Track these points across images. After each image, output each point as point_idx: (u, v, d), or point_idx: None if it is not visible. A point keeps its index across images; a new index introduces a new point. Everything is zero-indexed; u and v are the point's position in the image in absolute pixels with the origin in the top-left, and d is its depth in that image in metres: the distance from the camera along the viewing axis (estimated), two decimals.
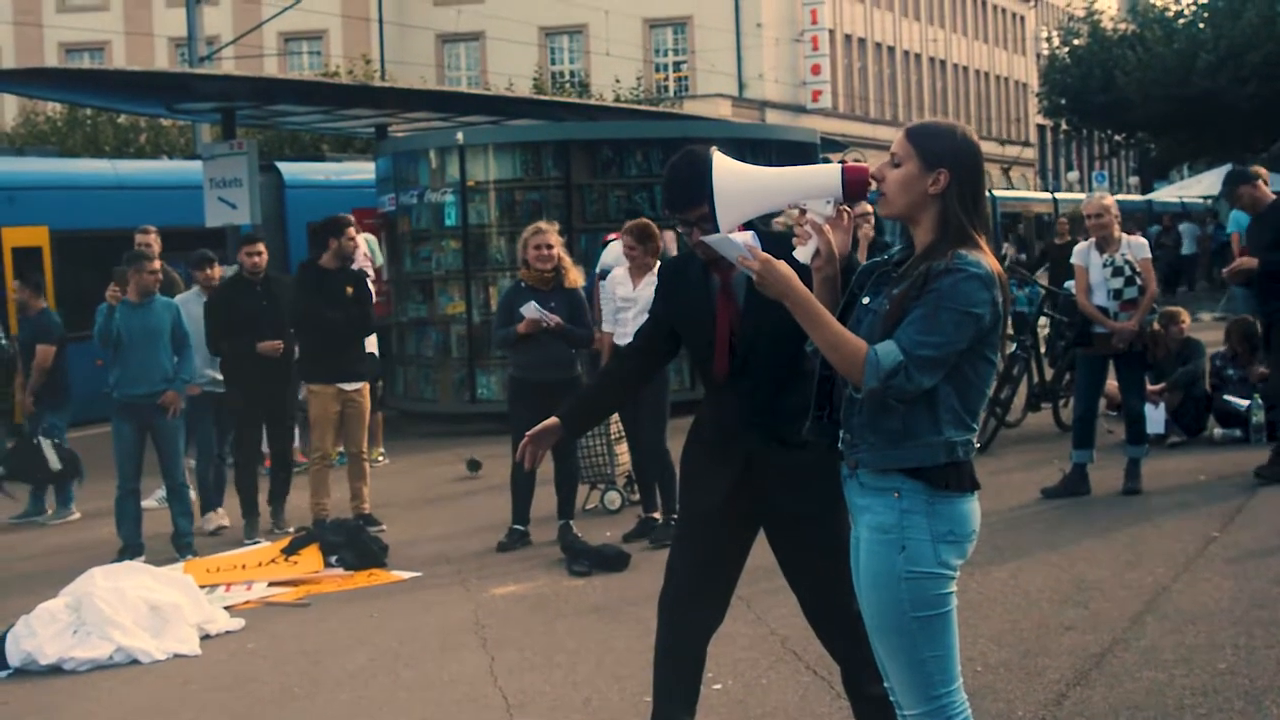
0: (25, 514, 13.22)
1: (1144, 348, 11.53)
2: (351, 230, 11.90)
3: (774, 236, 5.03)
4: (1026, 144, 76.81)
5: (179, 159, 29.74)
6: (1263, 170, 12.36)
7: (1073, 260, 11.86)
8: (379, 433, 15.45)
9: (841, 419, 4.27)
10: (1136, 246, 11.45)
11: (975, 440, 4.24)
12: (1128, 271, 11.25)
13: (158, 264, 11.26)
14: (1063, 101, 52.03)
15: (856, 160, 4.98)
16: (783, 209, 4.49)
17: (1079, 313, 11.69)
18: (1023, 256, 34.81)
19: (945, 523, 4.14)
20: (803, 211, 4.30)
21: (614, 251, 12.62)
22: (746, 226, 4.65)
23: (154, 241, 11.35)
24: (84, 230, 20.53)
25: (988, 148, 68.64)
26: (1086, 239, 11.70)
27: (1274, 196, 11.81)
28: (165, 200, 21.26)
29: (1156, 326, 11.94)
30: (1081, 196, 48.92)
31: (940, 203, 4.16)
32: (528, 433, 5.59)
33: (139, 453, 11.23)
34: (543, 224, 11.12)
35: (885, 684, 4.37)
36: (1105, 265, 11.30)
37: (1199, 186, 48.17)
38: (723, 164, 4.34)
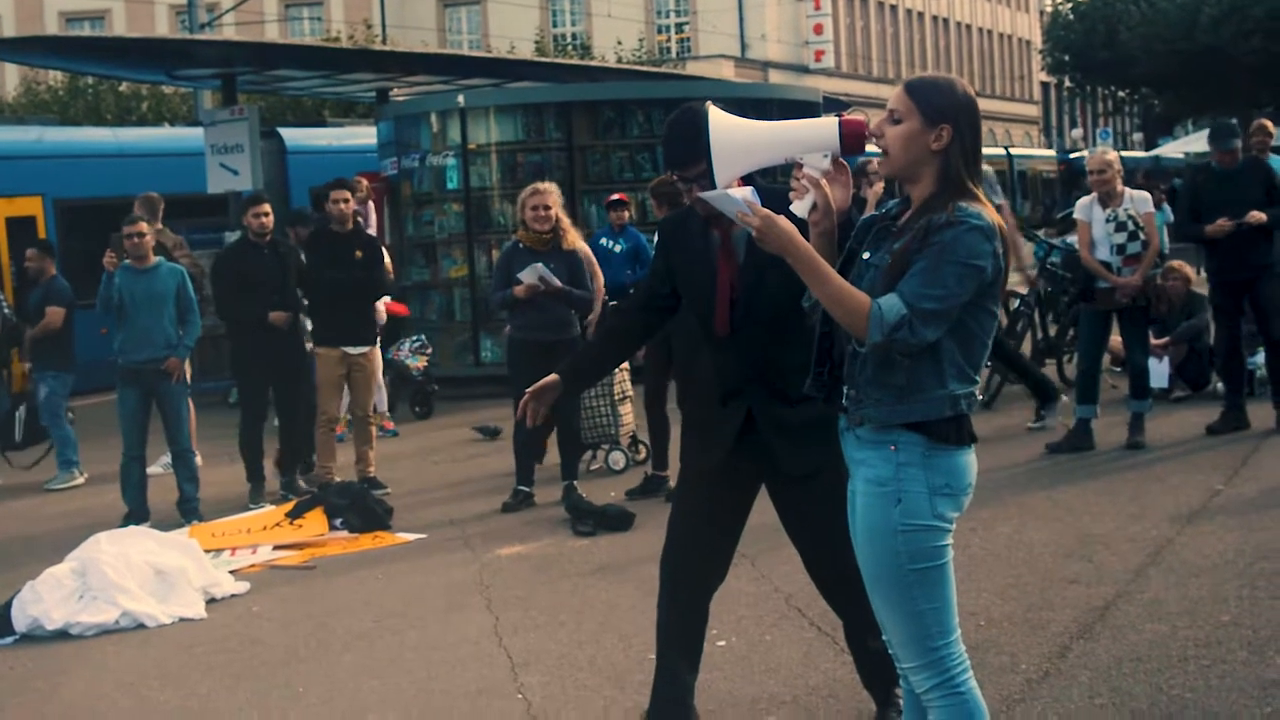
0: (57, 479, 13.23)
1: (1147, 302, 11.51)
2: (339, 193, 11.81)
3: (772, 191, 5.02)
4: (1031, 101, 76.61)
5: (180, 126, 29.71)
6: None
7: (1075, 215, 11.88)
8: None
9: (845, 375, 4.25)
10: (1139, 201, 11.43)
11: (978, 393, 4.22)
12: (1131, 226, 11.24)
13: (141, 226, 11.16)
14: (1066, 58, 51.90)
15: (852, 116, 4.96)
16: (779, 163, 4.46)
17: (1082, 268, 11.68)
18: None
19: (942, 475, 4.13)
20: (800, 165, 4.28)
21: None
22: (746, 180, 4.64)
23: (146, 230, 11.26)
24: (86, 198, 20.54)
25: (992, 105, 68.58)
26: (1089, 194, 11.69)
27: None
28: (167, 167, 21.25)
29: (1160, 281, 11.92)
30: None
31: (942, 158, 4.14)
32: (527, 389, 5.58)
33: (143, 419, 11.24)
34: (540, 184, 10.99)
35: (884, 638, 4.38)
36: (1108, 220, 11.29)
37: (1203, 142, 48.03)
38: (719, 118, 4.32)
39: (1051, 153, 61.61)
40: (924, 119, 4.13)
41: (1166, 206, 26.95)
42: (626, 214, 14.37)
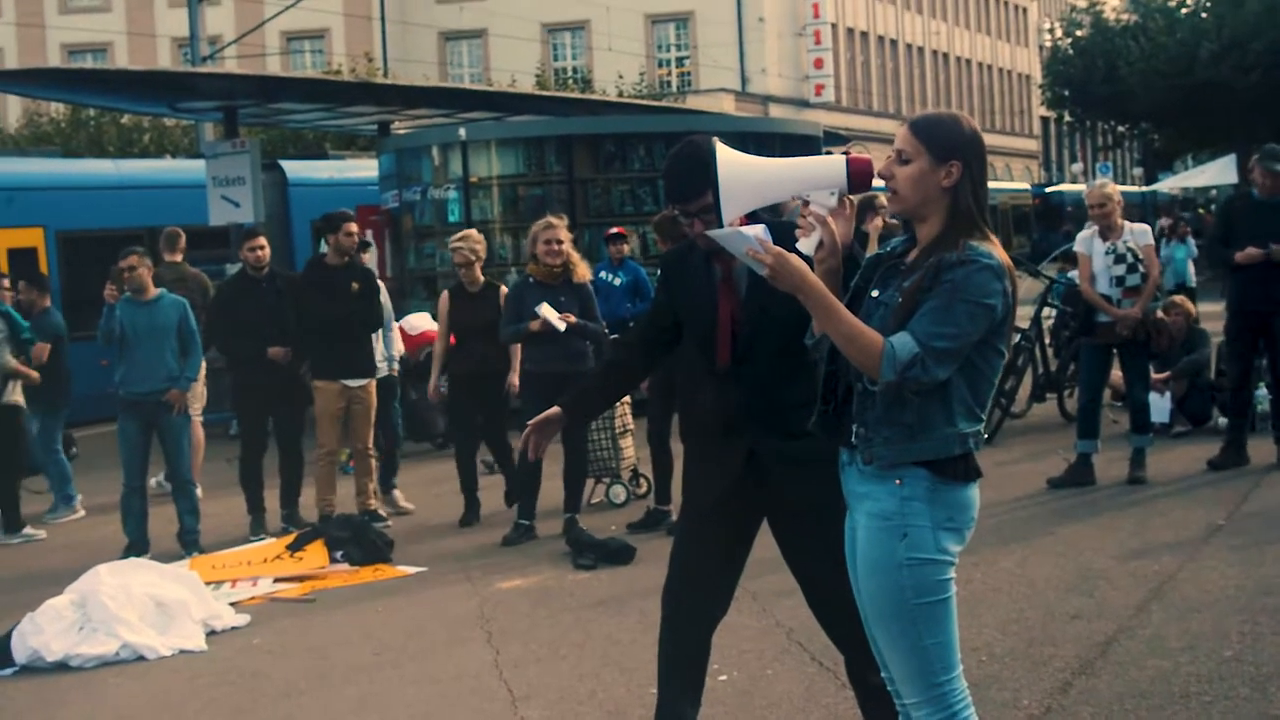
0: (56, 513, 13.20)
1: (1147, 336, 11.51)
2: (350, 225, 11.85)
3: (779, 227, 5.03)
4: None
5: (182, 158, 29.76)
6: None
7: (1075, 248, 11.89)
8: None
9: (854, 413, 4.25)
10: (1139, 234, 11.45)
11: (983, 430, 4.23)
12: (1130, 258, 11.25)
13: (133, 260, 11.13)
14: (1065, 93, 51.94)
15: (859, 153, 4.98)
16: (786, 199, 4.47)
17: (1083, 302, 11.68)
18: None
19: (946, 510, 4.13)
20: (806, 203, 4.29)
21: None
22: (751, 216, 4.65)
23: (137, 263, 11.25)
24: (88, 230, 20.56)
25: (992, 140, 68.69)
26: (1089, 227, 11.70)
27: None
28: (169, 199, 21.28)
29: (1160, 315, 11.92)
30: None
31: (952, 195, 4.15)
32: (530, 421, 5.59)
33: (144, 450, 11.23)
34: (553, 219, 11.03)
35: (885, 673, 4.37)
36: (1108, 253, 11.30)
37: (1203, 177, 48.08)
38: (726, 155, 4.33)
39: (1025, 185, 61.72)
40: (932, 157, 4.14)
41: (1190, 240, 27.03)
42: (626, 247, 14.40)
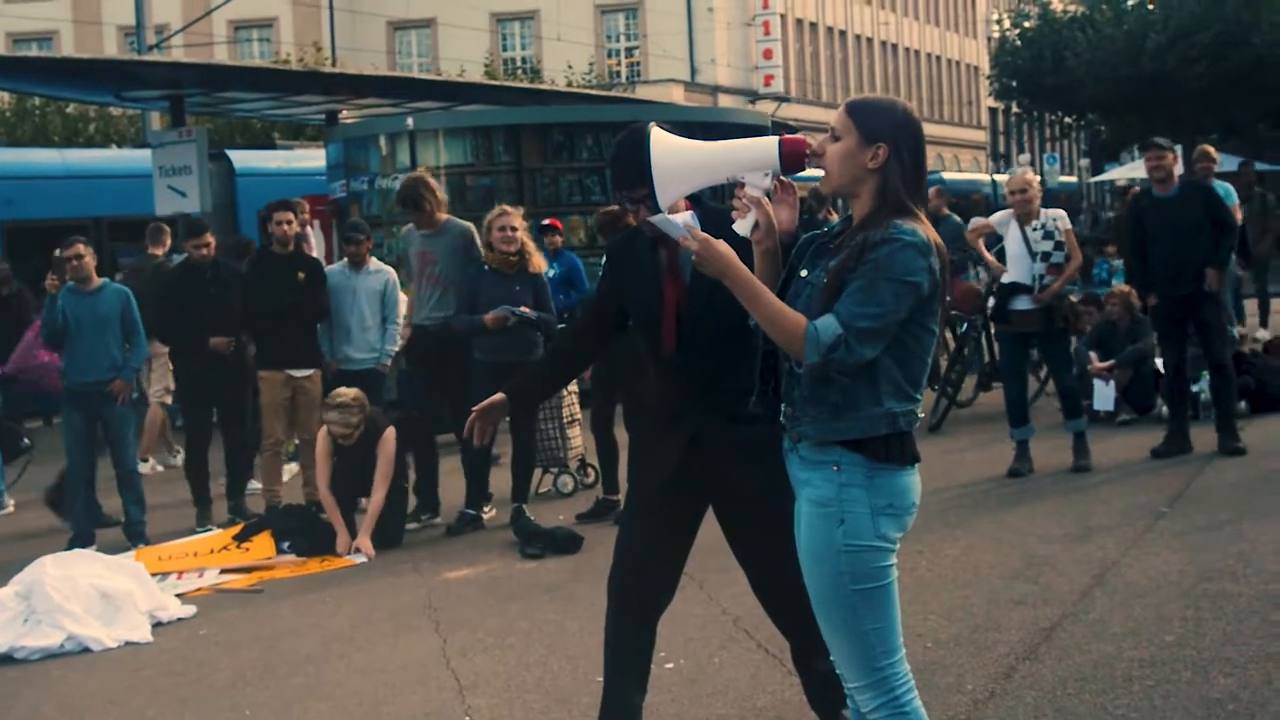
0: None
1: (1066, 323, 11.57)
2: (280, 214, 11.76)
3: (715, 212, 5.05)
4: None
5: (128, 148, 29.58)
6: None
7: (990, 220, 12.10)
8: None
9: (783, 392, 4.28)
10: (1059, 217, 11.57)
11: (919, 411, 4.25)
12: (1057, 236, 11.37)
13: (79, 248, 11.07)
14: (1013, 84, 52.08)
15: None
16: (721, 182, 4.48)
17: (998, 291, 11.75)
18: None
19: (885, 496, 4.15)
20: (741, 185, 4.29)
21: None
22: (693, 199, 4.65)
23: (83, 251, 11.15)
24: (33, 220, 20.42)
25: (939, 130, 68.92)
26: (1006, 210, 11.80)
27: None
28: (115, 189, 21.17)
29: (1073, 299, 11.93)
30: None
31: (880, 176, 4.17)
32: (474, 408, 5.59)
33: (89, 441, 11.17)
34: (508, 207, 11.01)
35: (831, 658, 4.39)
36: (1035, 229, 11.38)
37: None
38: (660, 139, 4.33)
39: (984, 176, 61.77)
40: (861, 137, 4.17)
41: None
42: (559, 239, 14.43)
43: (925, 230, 4.10)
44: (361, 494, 10.59)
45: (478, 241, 11.13)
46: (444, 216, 11.25)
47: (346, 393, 10.50)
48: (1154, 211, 11.98)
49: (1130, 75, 43.48)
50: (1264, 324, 19.41)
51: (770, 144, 4.27)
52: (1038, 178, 11.97)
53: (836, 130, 4.21)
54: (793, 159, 4.25)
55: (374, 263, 12.17)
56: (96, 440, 11.26)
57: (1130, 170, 49.87)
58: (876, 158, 4.16)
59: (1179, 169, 12.30)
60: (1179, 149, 13.34)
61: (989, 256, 12.10)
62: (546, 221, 14.55)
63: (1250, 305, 20.12)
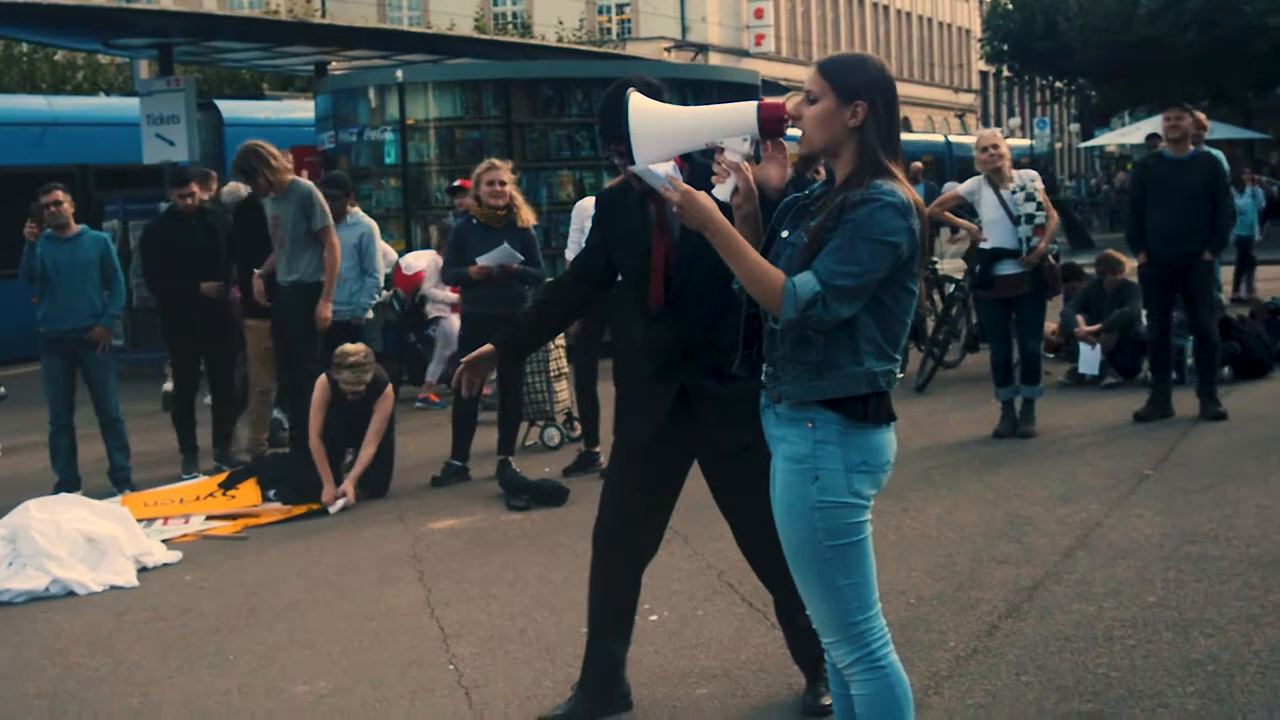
0: None
1: (1044, 286, 11.55)
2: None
3: (705, 168, 5.06)
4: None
5: (117, 95, 29.45)
6: None
7: (959, 188, 12.01)
8: None
9: (765, 351, 4.29)
10: (1034, 178, 11.55)
11: (898, 371, 4.26)
12: (1037, 197, 11.35)
13: (57, 194, 10.99)
14: (1004, 48, 52.04)
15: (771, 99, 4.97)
16: (700, 148, 4.46)
17: (979, 257, 11.73)
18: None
19: (859, 453, 4.16)
20: (721, 150, 4.28)
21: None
22: (684, 156, 4.64)
23: (62, 198, 11.04)
24: (18, 167, 20.32)
25: (930, 93, 68.84)
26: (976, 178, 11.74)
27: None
28: (103, 137, 21.10)
29: (1052, 260, 11.91)
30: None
31: (859, 136, 4.17)
32: (463, 359, 5.60)
33: (69, 388, 11.11)
34: (496, 160, 11.00)
35: (808, 612, 4.41)
36: (1015, 191, 11.34)
37: (1139, 133, 48.26)
38: (639, 105, 4.30)
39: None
40: (838, 97, 4.16)
41: (1259, 190, 24.18)
42: (470, 200, 14.25)
43: (905, 190, 4.10)
44: (351, 445, 10.57)
45: (318, 202, 10.97)
46: (288, 179, 11.03)
47: (356, 349, 10.38)
48: (1161, 172, 11.95)
49: (1121, 41, 43.43)
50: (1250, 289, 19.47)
51: (749, 109, 4.25)
52: (1004, 139, 11.92)
53: (812, 93, 4.20)
54: (771, 124, 4.23)
55: (355, 214, 12.12)
56: (76, 386, 11.21)
57: (1120, 135, 49.85)
58: (856, 115, 4.15)
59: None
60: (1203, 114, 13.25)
61: (963, 222, 11.98)
62: (457, 183, 13.98)
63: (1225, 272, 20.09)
